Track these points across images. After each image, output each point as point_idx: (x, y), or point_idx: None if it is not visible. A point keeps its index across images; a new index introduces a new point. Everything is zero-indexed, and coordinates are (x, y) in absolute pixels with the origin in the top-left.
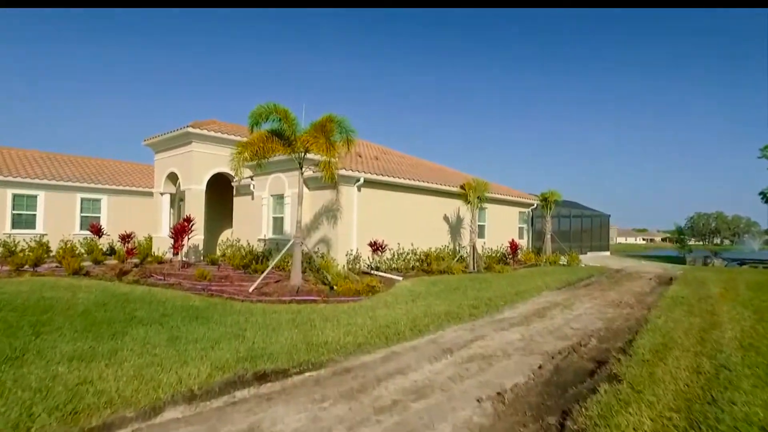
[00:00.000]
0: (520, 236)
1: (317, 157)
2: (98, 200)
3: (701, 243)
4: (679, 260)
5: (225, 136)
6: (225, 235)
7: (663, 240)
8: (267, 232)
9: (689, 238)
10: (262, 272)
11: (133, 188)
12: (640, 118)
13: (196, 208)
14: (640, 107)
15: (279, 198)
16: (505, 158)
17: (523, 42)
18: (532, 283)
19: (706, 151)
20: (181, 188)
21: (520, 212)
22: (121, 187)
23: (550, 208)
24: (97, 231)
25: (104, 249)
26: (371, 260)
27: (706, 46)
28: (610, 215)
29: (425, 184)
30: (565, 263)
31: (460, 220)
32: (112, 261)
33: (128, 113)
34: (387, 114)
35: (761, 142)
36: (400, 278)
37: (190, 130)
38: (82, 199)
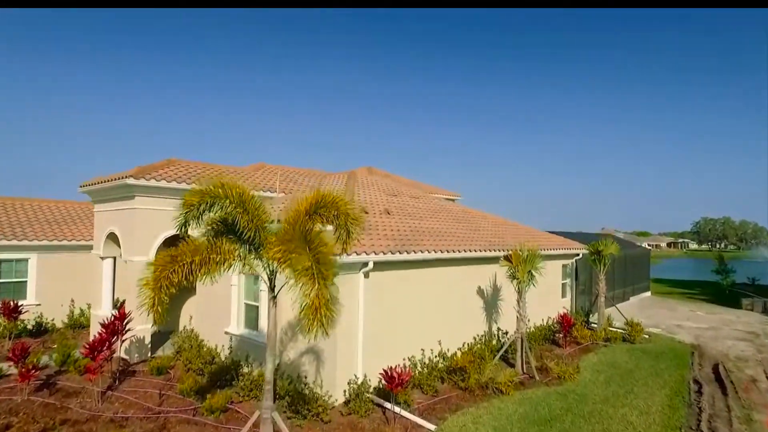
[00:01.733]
0: (563, 294)
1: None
2: (24, 260)
3: (707, 247)
4: (721, 293)
5: (183, 186)
6: (191, 305)
7: (668, 245)
8: (236, 324)
9: (694, 240)
10: (222, 412)
11: (75, 242)
12: (639, 117)
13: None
14: (639, 106)
15: (254, 279)
16: (499, 158)
17: (517, 41)
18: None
19: (708, 152)
20: (122, 257)
21: (563, 265)
22: (57, 242)
23: (605, 264)
24: (11, 311)
25: (31, 326)
26: (384, 385)
27: (709, 45)
28: (650, 248)
29: (459, 255)
30: (626, 334)
31: (497, 290)
32: (14, 370)
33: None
34: (383, 121)
35: (764, 142)
36: (433, 427)
37: (130, 181)
38: (1, 261)
